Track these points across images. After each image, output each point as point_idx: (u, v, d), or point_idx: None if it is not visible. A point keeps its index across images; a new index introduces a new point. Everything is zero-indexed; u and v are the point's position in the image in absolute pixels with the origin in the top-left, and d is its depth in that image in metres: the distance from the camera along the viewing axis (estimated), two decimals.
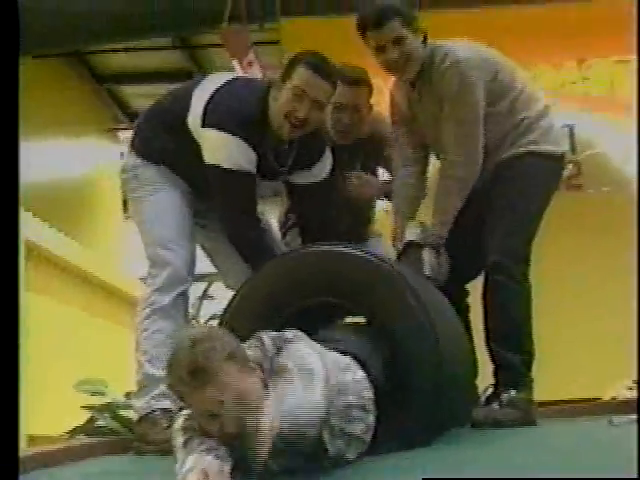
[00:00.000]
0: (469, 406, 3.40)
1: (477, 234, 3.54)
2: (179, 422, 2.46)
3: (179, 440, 2.41)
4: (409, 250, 3.57)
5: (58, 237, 5.64)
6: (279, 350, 2.53)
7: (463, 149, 3.46)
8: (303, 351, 2.50)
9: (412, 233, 3.60)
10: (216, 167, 3.36)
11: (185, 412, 2.47)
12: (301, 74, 3.33)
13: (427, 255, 3.53)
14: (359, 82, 3.89)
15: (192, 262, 3.62)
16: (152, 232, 3.58)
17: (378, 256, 3.08)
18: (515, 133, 3.56)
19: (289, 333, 2.59)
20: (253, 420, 2.25)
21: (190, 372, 2.30)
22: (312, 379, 2.39)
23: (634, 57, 6.24)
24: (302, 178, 3.63)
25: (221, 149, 3.35)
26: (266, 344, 2.54)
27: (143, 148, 3.62)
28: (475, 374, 3.49)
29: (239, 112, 3.37)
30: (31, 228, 5.19)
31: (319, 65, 3.35)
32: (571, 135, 6.37)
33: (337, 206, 3.92)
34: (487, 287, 3.52)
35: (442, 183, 3.52)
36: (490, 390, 3.57)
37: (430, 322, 2.88)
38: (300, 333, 2.60)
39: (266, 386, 2.42)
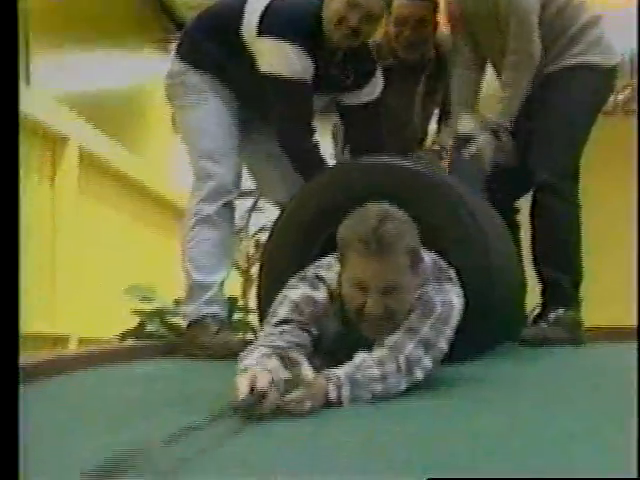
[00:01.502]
0: (518, 324, 3.41)
1: (525, 149, 3.50)
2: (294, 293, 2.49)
3: (278, 315, 2.46)
4: (461, 143, 3.53)
5: (110, 145, 5.67)
6: None
7: (523, 37, 3.40)
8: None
9: (461, 126, 3.56)
10: (274, 76, 3.34)
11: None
12: None
13: (484, 143, 3.47)
14: None
15: (237, 174, 3.62)
16: (197, 143, 3.57)
17: (429, 168, 3.06)
18: (562, 42, 3.50)
19: None
20: (399, 306, 2.36)
21: (376, 240, 2.33)
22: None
23: None
24: (353, 98, 3.60)
25: (279, 57, 3.32)
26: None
27: (190, 54, 3.59)
28: (524, 291, 3.48)
29: (296, 20, 3.35)
30: (84, 135, 5.22)
31: None
32: (631, 60, 6.22)
33: (388, 127, 3.88)
34: (535, 206, 3.49)
35: (505, 74, 3.48)
36: (538, 310, 3.57)
37: (481, 235, 2.87)
38: None
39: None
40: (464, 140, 3.56)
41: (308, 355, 2.44)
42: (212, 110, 3.56)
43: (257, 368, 2.23)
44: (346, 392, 2.28)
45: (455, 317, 2.49)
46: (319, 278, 2.55)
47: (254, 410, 2.14)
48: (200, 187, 3.57)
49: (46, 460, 1.99)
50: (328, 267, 2.59)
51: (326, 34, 3.37)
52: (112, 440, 2.13)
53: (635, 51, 6.18)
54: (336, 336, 2.55)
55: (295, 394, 2.21)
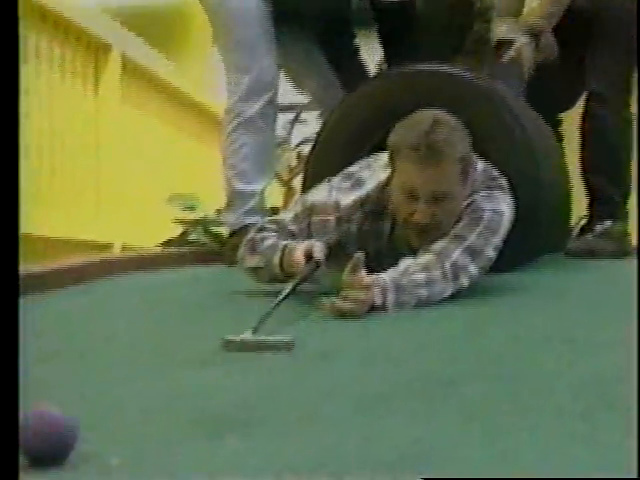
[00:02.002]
0: (563, 235, 3.38)
1: (578, 58, 3.42)
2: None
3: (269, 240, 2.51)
4: (499, 53, 3.45)
5: (152, 54, 5.64)
6: None
7: None
8: None
9: (500, 30, 3.47)
10: None
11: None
12: None
13: (523, 46, 3.39)
14: None
15: (275, 70, 3.44)
16: (232, 34, 3.40)
17: (472, 73, 3.01)
18: None
19: None
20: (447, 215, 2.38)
21: (428, 147, 2.33)
22: None
23: None
24: None
25: None
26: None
27: None
28: (570, 202, 3.44)
29: None
30: (127, 43, 5.20)
31: None
32: None
33: (427, 28, 3.79)
34: (586, 117, 3.42)
35: None
36: (584, 221, 3.54)
37: (529, 144, 2.83)
38: None
39: None
40: (503, 45, 3.47)
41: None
42: (248, 3, 3.40)
43: (307, 241, 2.35)
44: (391, 297, 2.29)
45: (504, 226, 2.47)
46: (355, 178, 2.55)
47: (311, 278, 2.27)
48: (238, 82, 3.40)
49: (103, 350, 2.06)
50: (367, 167, 2.60)
51: None
52: (161, 339, 2.19)
53: None
54: (373, 240, 2.55)
55: (353, 293, 2.23)
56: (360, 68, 3.36)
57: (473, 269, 2.41)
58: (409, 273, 2.34)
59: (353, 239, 2.55)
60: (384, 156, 2.56)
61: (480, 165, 2.54)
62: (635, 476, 0.99)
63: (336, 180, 2.63)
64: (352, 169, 2.67)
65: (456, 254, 2.39)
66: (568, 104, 3.65)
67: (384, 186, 2.52)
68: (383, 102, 2.99)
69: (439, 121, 2.37)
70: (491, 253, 2.44)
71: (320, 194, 2.59)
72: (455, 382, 1.64)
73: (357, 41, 3.53)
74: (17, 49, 1.36)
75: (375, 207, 2.54)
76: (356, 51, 3.38)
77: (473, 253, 2.41)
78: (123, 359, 1.99)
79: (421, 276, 2.34)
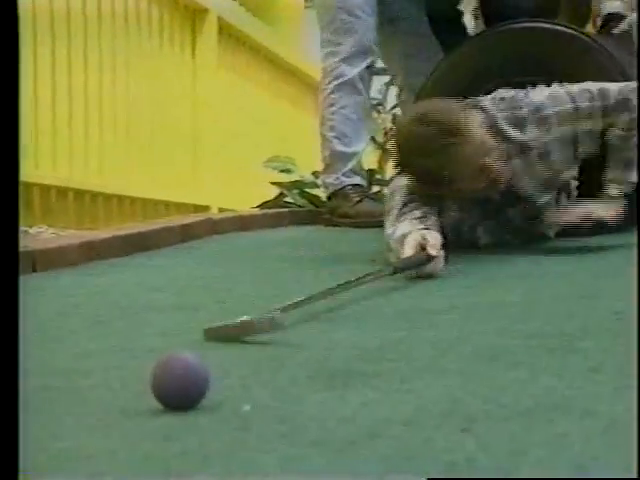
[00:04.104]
0: None
1: None
2: (401, 181, 2.50)
3: (397, 201, 2.45)
4: (611, 24, 3.40)
5: (248, 17, 5.66)
6: None
7: None
8: None
9: (611, 5, 3.42)
10: None
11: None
12: None
13: (634, 21, 3.34)
14: None
15: (375, 34, 3.48)
16: None
17: (577, 29, 2.97)
18: None
19: None
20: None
21: None
22: None
23: None
24: None
25: None
26: None
27: None
28: None
29: None
30: (223, 6, 5.22)
31: None
32: None
33: None
34: None
35: None
36: None
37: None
38: None
39: None
40: (612, 19, 3.41)
41: None
42: None
43: (426, 231, 2.26)
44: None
45: None
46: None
47: (418, 270, 2.18)
48: (339, 42, 3.43)
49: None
50: None
51: None
52: (266, 293, 2.21)
53: None
54: None
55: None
56: (462, 30, 3.34)
57: None
58: None
59: None
60: None
61: None
62: (635, 476, 0.97)
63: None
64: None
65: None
66: None
67: None
68: (490, 58, 2.96)
69: None
70: None
71: None
72: (575, 337, 1.62)
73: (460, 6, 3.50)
74: (17, 46, 1.37)
75: None
76: (459, 15, 3.36)
77: None
78: (235, 310, 2.01)
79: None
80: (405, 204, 2.43)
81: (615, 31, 3.40)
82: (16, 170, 1.36)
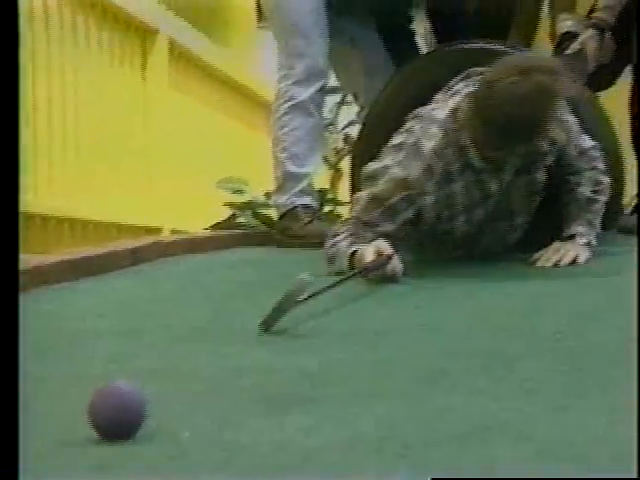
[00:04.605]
0: (616, 212, 3.35)
1: (621, 38, 3.40)
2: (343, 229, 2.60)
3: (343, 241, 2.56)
4: (565, 42, 3.45)
5: (199, 37, 5.65)
6: None
7: None
8: None
9: (564, 24, 3.48)
10: None
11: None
12: None
13: (588, 39, 3.39)
14: None
15: (327, 58, 3.50)
16: (289, 20, 3.48)
17: (523, 50, 3.01)
18: None
19: None
20: None
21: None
22: None
23: None
24: None
25: None
26: None
27: None
28: (623, 179, 3.41)
29: None
30: (172, 26, 5.21)
31: None
32: None
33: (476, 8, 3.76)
34: (634, 95, 3.40)
35: None
36: (635, 201, 3.50)
37: (582, 120, 2.82)
38: None
39: None
40: (566, 38, 3.47)
41: None
42: None
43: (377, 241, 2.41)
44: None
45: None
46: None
47: (380, 272, 2.34)
48: (292, 66, 3.48)
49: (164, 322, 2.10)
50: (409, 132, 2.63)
51: None
52: (213, 317, 2.21)
53: None
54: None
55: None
56: (415, 52, 3.37)
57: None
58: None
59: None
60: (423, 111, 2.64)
61: None
62: (635, 476, 0.99)
63: (388, 159, 2.63)
64: (396, 141, 2.68)
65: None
66: (607, 83, 3.63)
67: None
68: (433, 79, 2.99)
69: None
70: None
71: (382, 183, 2.60)
72: (516, 358, 1.64)
73: (413, 26, 3.54)
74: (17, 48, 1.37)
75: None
76: (411, 35, 3.40)
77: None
78: (181, 336, 2.01)
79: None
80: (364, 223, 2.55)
81: (568, 51, 3.45)
82: None
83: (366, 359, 1.70)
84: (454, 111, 2.57)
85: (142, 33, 4.91)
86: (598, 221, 2.75)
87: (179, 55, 5.29)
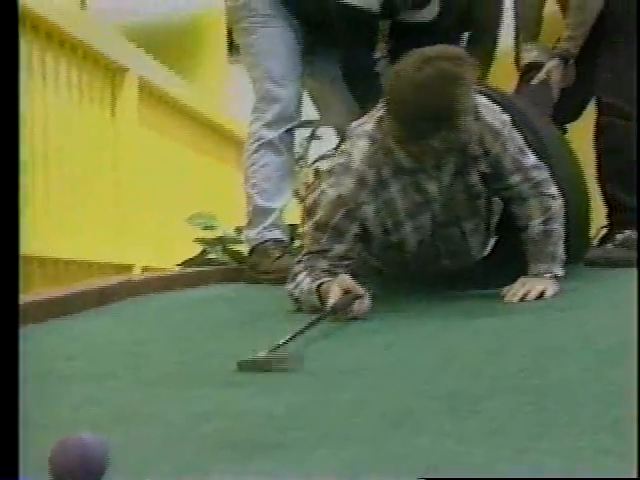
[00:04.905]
0: (583, 245, 3.38)
1: (585, 70, 3.44)
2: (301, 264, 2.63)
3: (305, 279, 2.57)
4: (530, 72, 3.49)
5: (168, 75, 5.68)
6: None
7: None
8: None
9: (529, 54, 3.53)
10: (343, 3, 3.32)
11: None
12: None
13: (553, 69, 3.43)
14: None
15: (300, 100, 3.63)
16: (262, 66, 3.56)
17: (490, 88, 3.04)
18: None
19: None
20: None
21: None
22: None
23: None
24: (412, 16, 3.55)
25: None
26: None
27: None
28: (589, 212, 3.44)
29: None
30: (142, 64, 5.23)
31: None
32: None
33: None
34: (599, 127, 3.44)
35: None
36: (604, 231, 3.53)
37: (545, 155, 2.84)
38: None
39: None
40: (531, 68, 3.52)
41: None
42: (278, 33, 3.55)
43: (343, 276, 2.43)
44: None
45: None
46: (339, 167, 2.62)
47: (348, 311, 2.37)
48: (264, 110, 3.57)
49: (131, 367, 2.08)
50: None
51: None
52: (182, 358, 2.20)
53: None
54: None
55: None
56: (377, 91, 3.41)
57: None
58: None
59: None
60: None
61: None
62: (635, 476, 0.99)
63: (323, 185, 2.67)
64: (330, 165, 2.74)
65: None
66: (574, 116, 3.68)
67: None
68: None
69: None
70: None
71: (321, 209, 2.63)
72: (481, 397, 1.65)
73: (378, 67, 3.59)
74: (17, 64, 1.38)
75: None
76: (376, 77, 3.44)
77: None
78: (149, 379, 2.00)
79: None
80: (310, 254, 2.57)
81: (534, 81, 3.49)
82: None
83: (333, 400, 1.70)
84: (380, 119, 2.59)
85: (112, 71, 4.92)
86: (560, 249, 2.74)
87: (149, 92, 5.31)
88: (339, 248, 2.57)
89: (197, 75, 7.12)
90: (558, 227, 2.74)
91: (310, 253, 2.63)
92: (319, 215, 2.62)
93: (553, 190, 2.74)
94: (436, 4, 3.55)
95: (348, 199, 2.55)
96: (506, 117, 2.70)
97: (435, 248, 2.70)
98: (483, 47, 3.91)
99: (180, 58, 6.65)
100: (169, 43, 6.62)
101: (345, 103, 3.65)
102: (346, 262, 2.57)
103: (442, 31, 3.67)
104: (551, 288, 2.64)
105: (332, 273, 2.52)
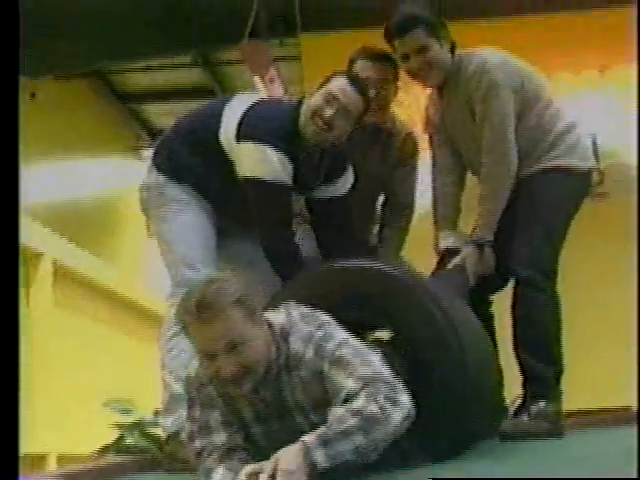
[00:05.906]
0: (497, 418, 3.38)
1: (502, 246, 3.54)
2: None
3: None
4: (446, 258, 3.58)
5: (83, 255, 5.68)
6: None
7: (497, 148, 3.47)
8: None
9: (446, 240, 3.62)
10: (255, 180, 3.35)
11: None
12: (337, 81, 3.39)
13: (468, 255, 3.53)
14: (384, 58, 3.79)
15: None
16: (177, 251, 3.55)
17: (404, 270, 3.08)
18: (541, 148, 3.57)
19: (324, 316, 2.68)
20: (250, 358, 2.45)
21: (198, 305, 2.44)
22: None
23: None
24: (325, 192, 3.63)
25: (260, 161, 3.33)
26: (293, 315, 2.64)
27: (168, 166, 3.59)
28: (502, 385, 3.47)
29: (274, 125, 3.39)
30: (56, 247, 5.24)
31: (357, 79, 3.47)
32: (594, 144, 6.32)
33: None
34: (516, 299, 3.52)
35: (482, 186, 3.55)
36: (518, 401, 3.55)
37: (454, 331, 2.88)
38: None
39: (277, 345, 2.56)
40: (449, 253, 3.61)
41: None
42: (192, 219, 3.56)
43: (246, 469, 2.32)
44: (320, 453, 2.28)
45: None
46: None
47: None
48: (179, 295, 3.54)
49: None
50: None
51: (301, 132, 3.39)
52: None
53: (595, 137, 6.31)
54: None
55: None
56: (299, 266, 3.42)
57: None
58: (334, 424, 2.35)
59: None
60: None
61: (297, 310, 2.66)
62: (635, 476, 0.96)
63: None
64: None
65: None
66: (498, 286, 3.76)
67: None
68: (315, 298, 3.02)
69: (209, 281, 2.52)
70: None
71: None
72: None
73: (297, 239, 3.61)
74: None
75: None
76: (296, 249, 3.46)
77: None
78: None
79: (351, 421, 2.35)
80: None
81: (450, 265, 3.57)
82: None
83: None
84: None
85: (26, 257, 4.91)
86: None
87: (64, 275, 5.30)
88: (218, 439, 2.56)
89: (115, 253, 7.14)
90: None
91: (193, 456, 2.62)
92: (186, 428, 2.71)
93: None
94: (349, 177, 3.64)
95: (188, 387, 2.72)
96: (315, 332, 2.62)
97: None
98: (400, 214, 4.01)
99: (97, 237, 6.68)
100: (85, 223, 6.65)
101: (264, 284, 3.62)
102: (238, 449, 2.55)
103: (358, 200, 3.77)
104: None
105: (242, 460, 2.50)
